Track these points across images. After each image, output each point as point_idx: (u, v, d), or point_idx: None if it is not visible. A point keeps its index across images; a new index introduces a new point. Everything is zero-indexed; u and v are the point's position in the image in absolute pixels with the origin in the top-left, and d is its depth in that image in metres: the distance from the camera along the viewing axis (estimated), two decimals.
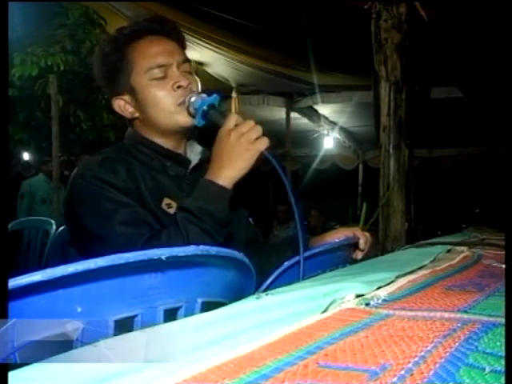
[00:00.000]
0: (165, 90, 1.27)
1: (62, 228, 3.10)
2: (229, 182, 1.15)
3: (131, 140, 1.34)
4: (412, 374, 0.45)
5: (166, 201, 1.24)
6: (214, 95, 1.26)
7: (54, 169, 4.98)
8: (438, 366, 0.47)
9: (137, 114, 1.31)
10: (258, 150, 1.16)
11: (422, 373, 0.46)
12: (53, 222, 3.33)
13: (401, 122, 3.74)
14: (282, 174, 1.17)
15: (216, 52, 5.64)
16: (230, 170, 1.15)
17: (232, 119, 1.18)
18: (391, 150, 3.72)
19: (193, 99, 1.25)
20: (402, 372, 0.46)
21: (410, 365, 0.48)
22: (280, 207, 6.60)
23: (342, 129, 8.44)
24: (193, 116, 1.25)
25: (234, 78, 6.50)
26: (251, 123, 1.18)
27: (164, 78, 1.27)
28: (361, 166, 9.52)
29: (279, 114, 7.41)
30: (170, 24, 1.35)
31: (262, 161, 1.17)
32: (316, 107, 7.53)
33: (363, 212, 4.27)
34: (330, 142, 8.57)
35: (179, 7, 4.80)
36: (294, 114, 7.46)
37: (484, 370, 0.47)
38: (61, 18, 5.74)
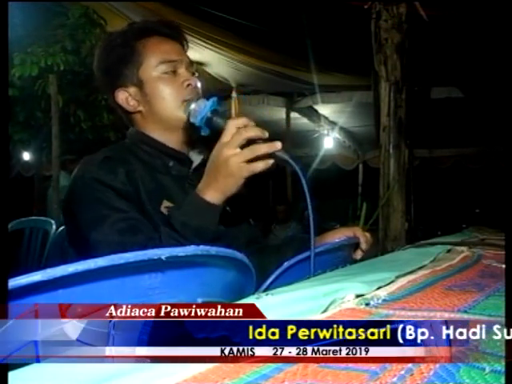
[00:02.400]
0: (174, 86, 1.27)
1: (62, 228, 3.11)
2: (218, 198, 1.11)
3: (133, 138, 1.32)
4: (412, 374, 0.45)
5: (166, 203, 1.22)
6: (212, 99, 1.19)
7: (54, 169, 4.97)
8: (438, 365, 0.47)
9: (140, 108, 1.29)
10: (252, 172, 1.08)
11: (422, 373, 0.46)
12: (53, 222, 3.33)
13: (401, 122, 3.75)
14: (301, 174, 1.14)
15: (216, 52, 5.64)
16: (218, 189, 1.10)
17: (229, 130, 1.09)
18: (391, 150, 3.73)
19: (192, 106, 1.19)
20: (402, 372, 0.46)
21: (410, 365, 0.48)
22: (279, 207, 6.53)
23: (341, 129, 8.44)
24: (195, 126, 1.19)
25: (234, 77, 6.49)
26: (253, 133, 1.08)
27: (174, 74, 1.28)
28: (361, 166, 9.51)
29: (279, 114, 7.40)
30: (177, 28, 1.37)
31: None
32: (316, 107, 7.52)
33: (363, 212, 4.28)
34: (329, 142, 8.56)
35: (180, 7, 4.81)
36: (294, 114, 7.45)
37: (484, 370, 0.47)
38: (61, 18, 5.73)
